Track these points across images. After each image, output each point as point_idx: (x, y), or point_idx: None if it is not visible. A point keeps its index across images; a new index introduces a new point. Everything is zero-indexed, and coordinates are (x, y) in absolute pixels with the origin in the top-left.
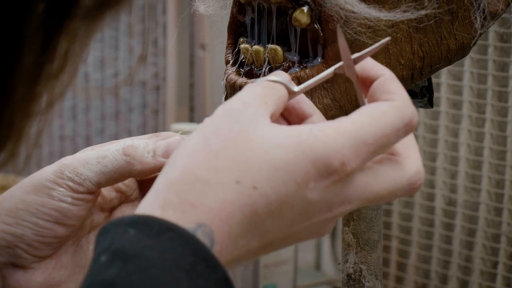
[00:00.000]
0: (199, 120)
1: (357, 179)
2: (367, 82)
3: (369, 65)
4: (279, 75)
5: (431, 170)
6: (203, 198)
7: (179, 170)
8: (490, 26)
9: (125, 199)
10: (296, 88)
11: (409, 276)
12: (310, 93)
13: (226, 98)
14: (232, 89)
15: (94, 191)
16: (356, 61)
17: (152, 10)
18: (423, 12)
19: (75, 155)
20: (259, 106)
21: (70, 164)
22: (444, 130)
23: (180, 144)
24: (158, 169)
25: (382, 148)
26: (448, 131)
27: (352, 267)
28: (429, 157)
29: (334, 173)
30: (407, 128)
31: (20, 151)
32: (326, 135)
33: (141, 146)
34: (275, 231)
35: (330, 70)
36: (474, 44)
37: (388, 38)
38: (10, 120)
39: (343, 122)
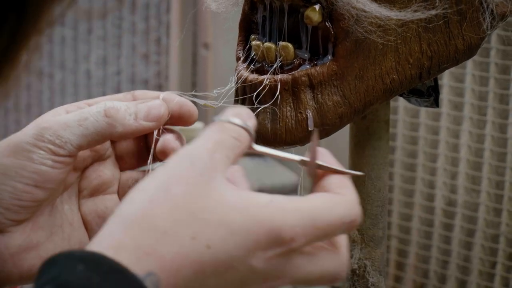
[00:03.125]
0: (201, 119)
1: (296, 258)
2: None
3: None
4: (250, 120)
5: (431, 171)
6: (157, 247)
7: (138, 214)
8: (498, 27)
9: (98, 158)
10: (256, 147)
11: (408, 275)
12: (320, 90)
13: (236, 94)
14: (243, 85)
15: (74, 154)
16: (320, 166)
17: (156, 9)
18: (433, 12)
19: (55, 117)
20: (221, 161)
21: (51, 127)
22: (445, 131)
23: (140, 183)
24: (139, 132)
25: (326, 236)
26: (449, 132)
27: (357, 263)
28: (430, 158)
29: (281, 245)
30: (351, 225)
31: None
32: (285, 210)
33: (123, 109)
34: None
35: (298, 157)
36: (482, 44)
37: (361, 173)
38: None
39: (300, 202)
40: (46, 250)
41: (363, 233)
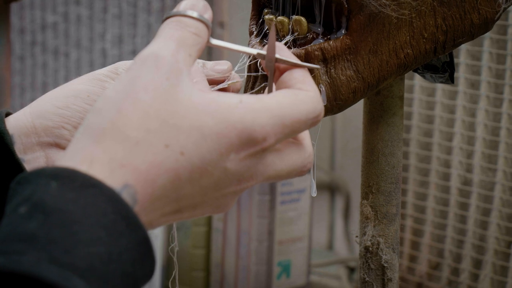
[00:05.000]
0: None
1: (266, 157)
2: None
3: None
4: (207, 13)
5: (447, 150)
6: (131, 159)
7: (107, 125)
8: None
9: None
10: (213, 41)
11: (423, 255)
12: (333, 65)
13: (249, 69)
14: (255, 59)
15: None
16: (278, 60)
17: None
18: None
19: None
20: (185, 61)
21: (125, 63)
22: (462, 110)
23: (105, 91)
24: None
25: (293, 132)
26: (466, 111)
27: (370, 240)
28: (446, 137)
29: (254, 146)
30: (315, 120)
31: None
32: (255, 110)
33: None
34: (189, 198)
35: (255, 51)
36: (498, 19)
37: (318, 66)
38: None
39: (268, 100)
40: None
41: (376, 210)
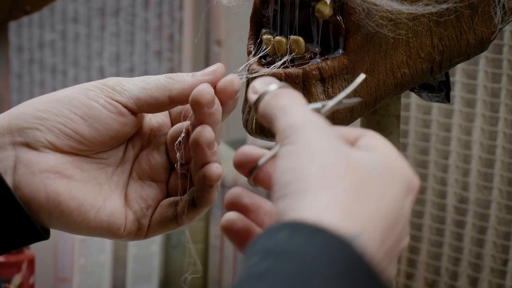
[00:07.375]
0: None
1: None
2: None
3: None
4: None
5: (443, 168)
6: (358, 208)
7: (319, 179)
8: (510, 22)
9: (154, 142)
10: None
11: (420, 272)
12: (331, 84)
13: (247, 87)
14: (253, 79)
15: (130, 106)
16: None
17: (169, 6)
18: (444, 6)
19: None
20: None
21: (116, 79)
22: (458, 128)
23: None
24: (195, 86)
25: None
26: (461, 129)
27: None
28: (442, 155)
29: (414, 192)
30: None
31: None
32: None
33: (182, 73)
34: (392, 245)
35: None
36: (493, 39)
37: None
38: None
39: None
40: (77, 189)
41: None
